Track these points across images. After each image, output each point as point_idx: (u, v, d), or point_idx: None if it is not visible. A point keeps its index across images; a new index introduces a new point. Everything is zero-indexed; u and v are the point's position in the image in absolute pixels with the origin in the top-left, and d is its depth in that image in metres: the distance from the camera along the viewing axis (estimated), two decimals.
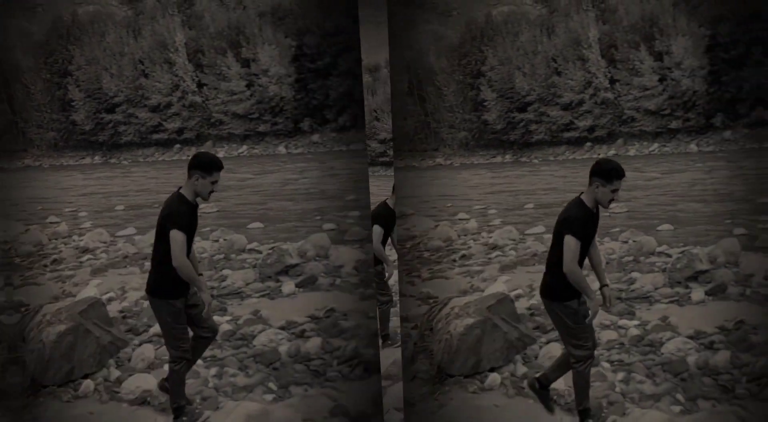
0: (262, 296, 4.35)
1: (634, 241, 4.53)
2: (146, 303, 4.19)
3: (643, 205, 4.52)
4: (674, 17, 4.35)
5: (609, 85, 4.45)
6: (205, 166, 3.73)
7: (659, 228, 4.48)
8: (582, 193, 3.89)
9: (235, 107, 4.36)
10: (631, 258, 4.50)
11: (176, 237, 3.69)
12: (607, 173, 3.78)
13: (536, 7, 4.46)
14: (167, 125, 4.42)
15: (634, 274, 4.46)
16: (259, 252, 4.40)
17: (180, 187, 3.80)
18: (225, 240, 4.35)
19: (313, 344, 4.21)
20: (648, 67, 4.43)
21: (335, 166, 4.27)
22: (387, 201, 4.88)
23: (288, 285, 4.33)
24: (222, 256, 4.37)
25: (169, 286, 3.81)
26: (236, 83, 4.35)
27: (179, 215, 3.72)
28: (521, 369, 4.37)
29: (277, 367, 4.19)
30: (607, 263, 4.45)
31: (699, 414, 4.04)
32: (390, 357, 4.58)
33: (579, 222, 3.79)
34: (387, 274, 5.01)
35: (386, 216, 4.89)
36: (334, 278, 4.26)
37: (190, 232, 3.77)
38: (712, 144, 4.40)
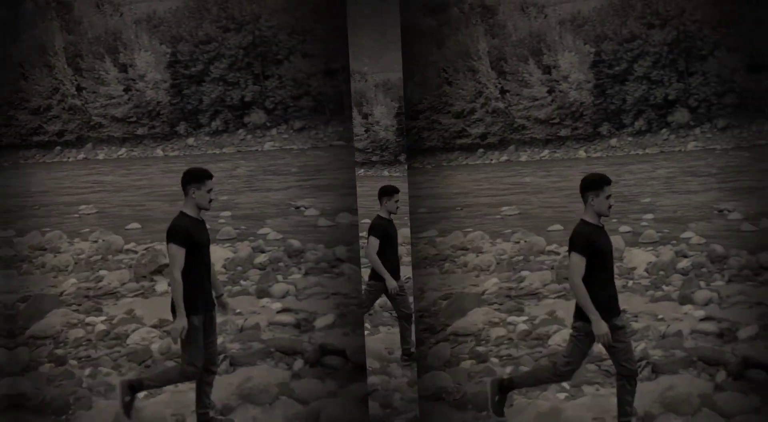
0: (137, 295, 4.40)
1: (525, 241, 4.64)
2: (23, 305, 4.23)
3: (536, 207, 4.64)
4: (560, 34, 4.54)
5: (500, 95, 4.60)
6: (198, 178, 3.87)
7: (550, 228, 4.59)
8: (581, 217, 3.95)
9: (113, 111, 4.45)
10: (521, 257, 4.60)
11: (170, 251, 3.78)
12: (596, 183, 3.88)
13: (426, 20, 4.62)
14: (47, 127, 4.48)
15: (524, 273, 4.56)
16: (135, 252, 4.46)
17: (180, 209, 3.89)
18: (103, 240, 4.40)
19: None
20: (537, 80, 4.59)
21: (210, 169, 4.34)
22: (379, 213, 4.84)
23: (162, 284, 4.38)
24: (99, 257, 4.41)
25: (188, 299, 3.77)
26: (114, 87, 4.45)
27: (176, 230, 3.81)
28: None
29: (149, 365, 4.21)
30: (498, 263, 4.55)
31: (583, 399, 4.15)
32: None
33: (581, 237, 3.83)
34: (390, 289, 4.96)
35: (385, 227, 4.84)
36: None
37: (192, 246, 3.79)
38: (599, 150, 4.57)
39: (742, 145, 4.48)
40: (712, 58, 4.45)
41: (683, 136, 4.53)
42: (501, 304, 4.45)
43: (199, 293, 3.83)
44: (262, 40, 4.43)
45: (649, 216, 4.49)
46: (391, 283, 4.92)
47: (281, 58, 4.41)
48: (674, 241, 4.46)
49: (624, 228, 4.47)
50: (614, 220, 4.47)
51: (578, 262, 3.78)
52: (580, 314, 3.88)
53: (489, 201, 4.60)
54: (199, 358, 3.82)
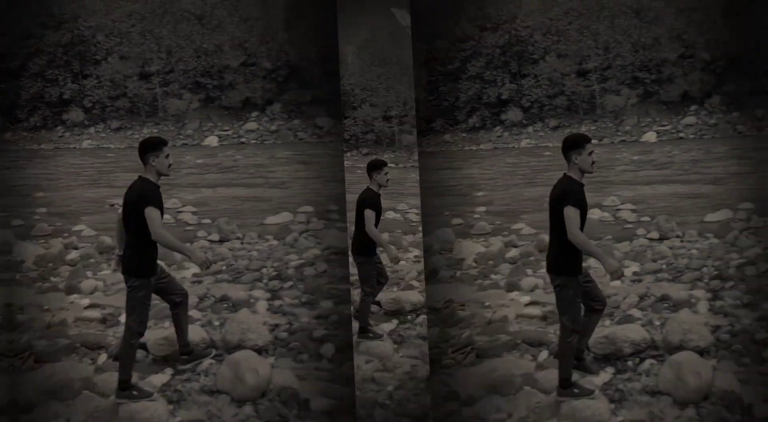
0: None
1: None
2: None
3: None
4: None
5: None
6: (154, 146, 3.96)
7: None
8: (564, 172, 4.01)
9: None
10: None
11: (152, 214, 3.85)
12: (577, 142, 3.96)
13: None
14: None
15: None
16: None
17: (140, 175, 3.95)
18: None
19: None
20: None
21: (27, 165, 4.39)
22: (370, 186, 4.78)
23: None
24: None
25: (146, 264, 3.94)
26: None
27: (151, 194, 3.90)
28: None
29: None
30: None
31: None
32: None
33: (575, 193, 3.91)
34: (391, 259, 4.69)
35: (376, 200, 4.74)
36: (14, 273, 4.31)
37: (161, 210, 3.92)
38: (433, 145, 4.67)
39: None
40: (544, 62, 4.67)
41: (516, 134, 4.71)
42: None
43: (149, 258, 3.97)
44: (80, 39, 4.48)
45: (482, 209, 4.64)
46: (393, 252, 4.63)
47: (99, 59, 4.47)
48: (505, 232, 4.60)
49: (456, 220, 4.57)
50: (446, 213, 4.61)
51: (575, 215, 3.88)
52: (559, 269, 3.97)
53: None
54: (145, 321, 3.96)
